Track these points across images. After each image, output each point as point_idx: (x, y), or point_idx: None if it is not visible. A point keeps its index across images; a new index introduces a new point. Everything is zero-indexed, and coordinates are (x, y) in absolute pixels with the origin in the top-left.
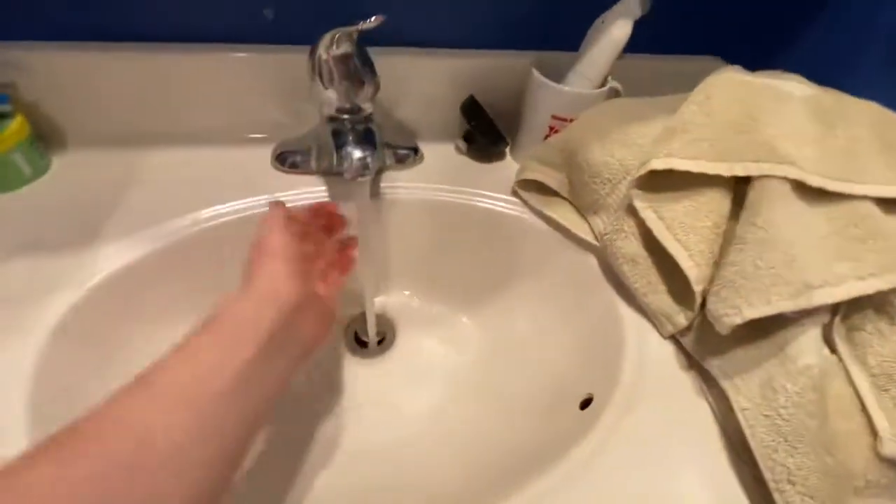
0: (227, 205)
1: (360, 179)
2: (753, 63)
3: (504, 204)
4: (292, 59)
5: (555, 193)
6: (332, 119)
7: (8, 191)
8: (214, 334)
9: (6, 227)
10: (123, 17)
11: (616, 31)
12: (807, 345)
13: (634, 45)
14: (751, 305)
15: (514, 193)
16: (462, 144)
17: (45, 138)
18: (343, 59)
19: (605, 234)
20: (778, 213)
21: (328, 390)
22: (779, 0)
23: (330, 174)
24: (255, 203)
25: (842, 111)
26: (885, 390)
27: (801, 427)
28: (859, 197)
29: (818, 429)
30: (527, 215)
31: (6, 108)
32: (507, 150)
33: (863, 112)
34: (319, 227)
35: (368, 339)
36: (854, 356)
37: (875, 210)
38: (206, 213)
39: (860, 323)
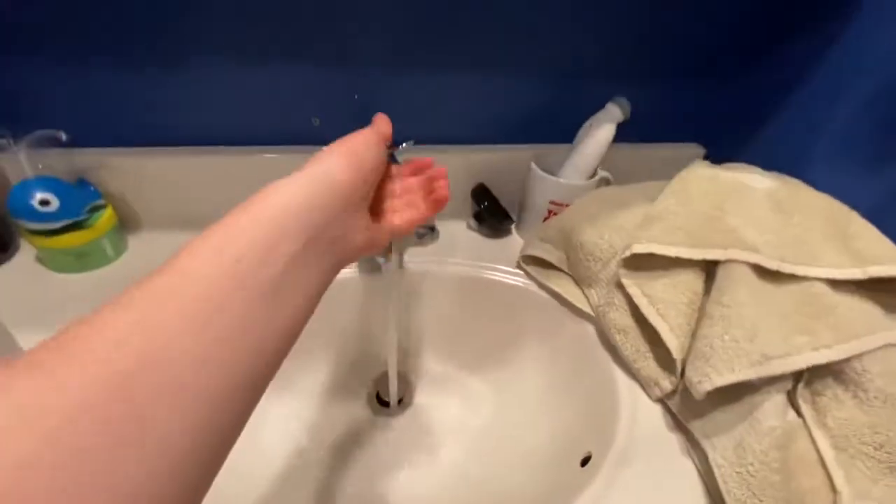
0: None
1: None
2: (728, 148)
3: (511, 276)
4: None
5: (555, 267)
6: None
7: (94, 269)
8: (253, 216)
9: (90, 301)
10: (192, 126)
11: (601, 133)
12: (771, 409)
13: (625, 135)
14: (719, 374)
15: (519, 267)
16: (473, 223)
17: (125, 223)
18: None
19: (599, 305)
20: (741, 292)
21: (351, 447)
22: (750, 97)
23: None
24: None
25: (797, 202)
26: (843, 450)
27: (765, 482)
28: (812, 278)
29: (782, 484)
30: (531, 287)
31: (100, 202)
32: (514, 227)
33: (816, 203)
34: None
35: (390, 399)
36: (816, 419)
37: (826, 289)
38: None
39: (821, 389)
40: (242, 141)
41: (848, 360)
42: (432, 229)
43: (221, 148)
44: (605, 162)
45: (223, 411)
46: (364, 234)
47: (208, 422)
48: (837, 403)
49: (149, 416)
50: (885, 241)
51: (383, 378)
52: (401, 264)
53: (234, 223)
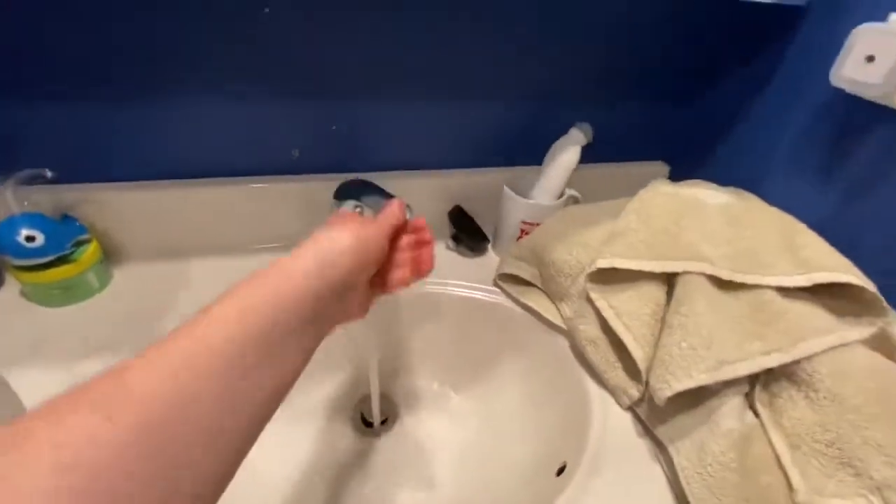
0: None
1: None
2: (691, 164)
3: (488, 294)
4: (312, 187)
5: (530, 283)
6: None
7: (79, 302)
8: (261, 295)
9: (76, 334)
10: (174, 160)
11: (566, 156)
12: (729, 412)
13: (594, 155)
14: (677, 380)
15: (496, 285)
16: (451, 244)
17: (109, 255)
18: None
19: (570, 319)
20: (698, 302)
21: (335, 469)
22: (708, 116)
23: None
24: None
25: (750, 215)
26: (798, 448)
27: (725, 482)
28: (763, 286)
29: (741, 483)
30: (508, 303)
31: (85, 236)
32: (490, 246)
33: (766, 216)
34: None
35: (374, 420)
36: (772, 420)
37: (777, 297)
38: None
39: (777, 391)
40: (224, 172)
41: (799, 362)
42: None
43: (203, 180)
44: (575, 181)
45: (230, 450)
46: (359, 304)
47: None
48: (792, 404)
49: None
50: (829, 249)
51: (366, 399)
52: None
53: (247, 296)
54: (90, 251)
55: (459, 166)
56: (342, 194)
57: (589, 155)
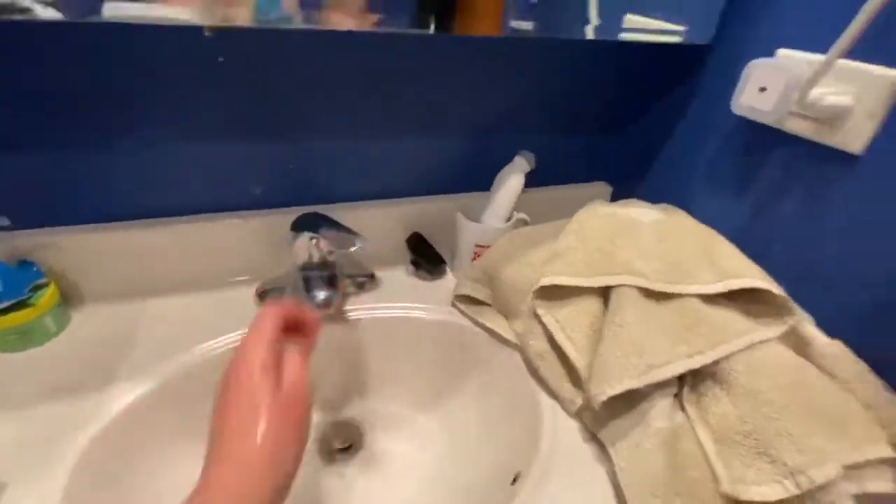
0: (220, 339)
1: (324, 314)
2: (630, 183)
3: (447, 315)
4: (273, 221)
5: (485, 303)
6: (303, 268)
7: (36, 346)
8: None
9: (33, 378)
10: (129, 202)
11: (511, 183)
12: (659, 412)
13: (540, 179)
14: (611, 386)
15: (454, 305)
16: (411, 268)
17: (67, 298)
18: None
19: (522, 334)
20: (629, 313)
21: (304, 496)
22: (643, 139)
23: None
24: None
25: (676, 230)
26: (723, 442)
27: (657, 478)
28: (687, 295)
29: (672, 478)
30: (465, 322)
31: (42, 280)
32: (448, 269)
33: (690, 229)
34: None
35: (338, 446)
36: (699, 417)
37: (699, 304)
38: (202, 347)
39: (703, 390)
40: (184, 211)
41: (719, 362)
42: (372, 277)
43: (162, 220)
44: (525, 204)
45: None
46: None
47: None
48: (715, 401)
49: None
50: (742, 257)
51: (330, 427)
52: (342, 314)
53: None
54: (48, 295)
55: (416, 195)
56: (299, 227)
57: (537, 179)
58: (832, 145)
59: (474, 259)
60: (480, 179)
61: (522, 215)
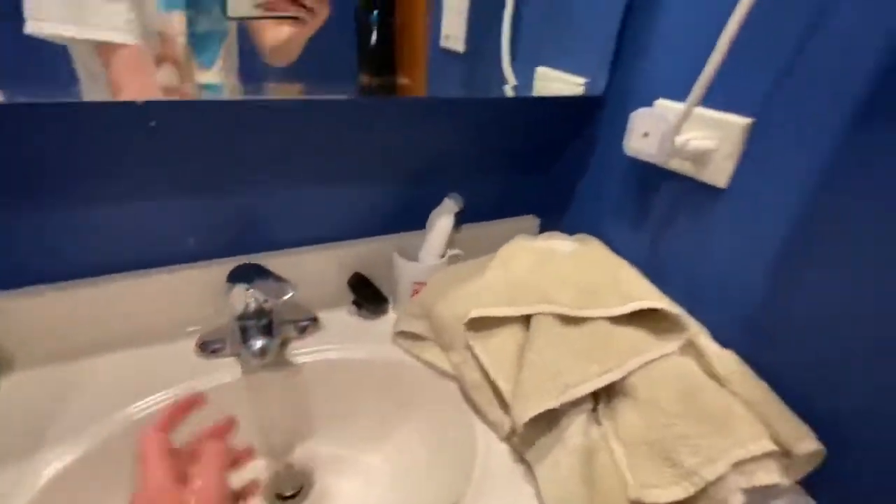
0: (157, 395)
1: (261, 362)
2: (556, 216)
3: (388, 352)
4: (211, 272)
5: (425, 338)
6: (240, 318)
7: None
8: None
9: None
10: (64, 263)
11: (441, 223)
12: (575, 429)
13: (473, 215)
14: (531, 408)
15: (395, 342)
16: (353, 309)
17: None
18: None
19: (457, 365)
20: (544, 338)
21: None
22: (565, 175)
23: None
24: (182, 390)
25: (589, 259)
26: (632, 452)
27: (575, 492)
28: (598, 318)
29: (588, 493)
30: (407, 358)
31: None
32: (390, 307)
33: (600, 258)
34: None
35: (288, 493)
36: (613, 430)
37: (608, 325)
38: (138, 406)
39: (615, 405)
40: (116, 268)
41: (627, 377)
42: (315, 320)
43: (94, 279)
44: (461, 240)
45: None
46: None
47: None
48: (625, 414)
49: None
50: (643, 281)
51: (278, 474)
52: (285, 361)
53: None
54: None
55: (356, 237)
56: (233, 278)
57: (472, 215)
58: (705, 181)
59: (413, 296)
60: (419, 218)
61: (457, 251)
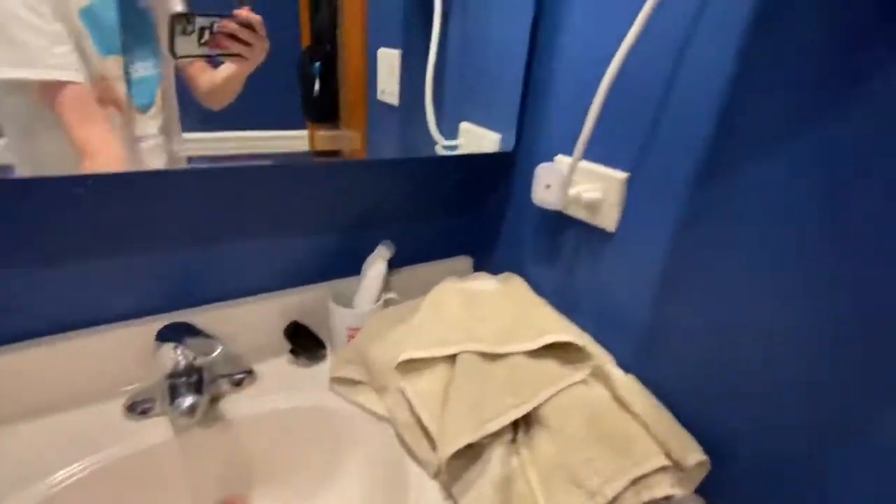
0: (82, 462)
1: (191, 420)
2: (487, 255)
3: (324, 399)
4: (143, 331)
5: (361, 382)
6: (170, 376)
7: None
8: None
9: None
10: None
11: (374, 269)
12: (496, 459)
13: (408, 258)
14: (452, 444)
15: (331, 389)
16: (291, 357)
17: None
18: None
19: (391, 407)
20: (465, 376)
21: None
22: (491, 219)
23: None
24: (107, 455)
25: (509, 298)
26: (547, 478)
27: None
28: (514, 353)
29: None
30: (343, 404)
31: None
32: (328, 353)
33: (520, 296)
34: None
35: None
36: (530, 459)
37: (524, 360)
38: (61, 475)
39: (533, 434)
40: (45, 332)
41: (540, 407)
42: (250, 372)
43: (19, 344)
44: (398, 282)
45: None
46: None
47: None
48: (540, 441)
49: None
50: (555, 317)
51: None
52: (218, 416)
53: None
54: None
55: (292, 286)
56: (161, 337)
57: (408, 258)
58: (598, 225)
59: (349, 340)
60: (357, 263)
61: (392, 295)
